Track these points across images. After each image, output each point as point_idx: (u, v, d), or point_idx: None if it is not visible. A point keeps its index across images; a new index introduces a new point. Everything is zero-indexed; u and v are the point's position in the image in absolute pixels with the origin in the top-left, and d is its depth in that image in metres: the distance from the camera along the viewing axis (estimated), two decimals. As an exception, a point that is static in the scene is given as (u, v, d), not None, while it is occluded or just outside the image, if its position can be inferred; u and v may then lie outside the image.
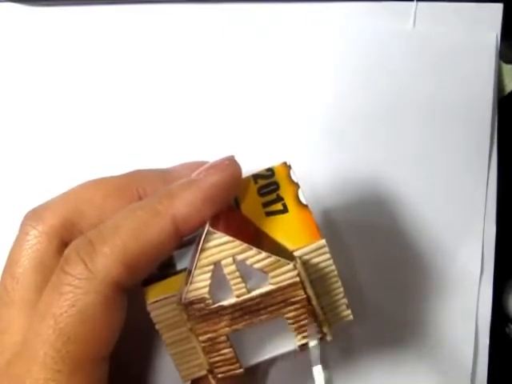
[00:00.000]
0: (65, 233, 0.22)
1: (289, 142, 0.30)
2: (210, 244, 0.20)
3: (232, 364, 0.22)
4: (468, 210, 0.30)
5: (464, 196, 0.30)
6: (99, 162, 0.29)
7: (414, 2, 0.30)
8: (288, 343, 0.22)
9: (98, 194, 0.23)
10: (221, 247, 0.20)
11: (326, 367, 0.21)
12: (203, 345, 0.22)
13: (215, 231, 0.20)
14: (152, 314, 0.22)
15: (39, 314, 0.20)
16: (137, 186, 0.23)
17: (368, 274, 0.29)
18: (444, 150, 0.30)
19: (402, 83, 0.30)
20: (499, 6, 0.30)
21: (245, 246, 0.20)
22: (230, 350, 0.22)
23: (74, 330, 0.19)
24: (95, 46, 0.30)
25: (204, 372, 0.22)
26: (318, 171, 0.30)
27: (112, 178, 0.24)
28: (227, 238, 0.20)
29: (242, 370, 0.22)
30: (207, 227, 0.20)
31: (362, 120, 0.30)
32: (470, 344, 0.29)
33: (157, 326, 0.22)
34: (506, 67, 0.31)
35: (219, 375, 0.22)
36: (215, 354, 0.22)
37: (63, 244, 0.22)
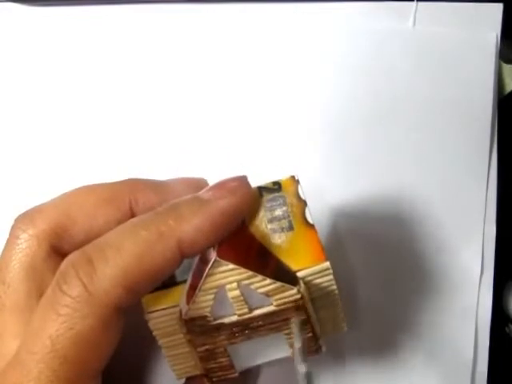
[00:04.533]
0: (55, 237, 0.22)
1: (287, 142, 0.30)
2: (216, 270, 0.20)
3: (227, 370, 0.22)
4: (468, 211, 0.30)
5: (464, 196, 0.30)
6: (93, 166, 0.29)
7: (414, 2, 0.30)
8: (283, 350, 0.22)
9: (89, 201, 0.23)
10: (226, 273, 0.20)
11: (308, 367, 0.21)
12: (200, 354, 0.22)
13: (222, 260, 0.20)
14: (150, 323, 0.21)
15: (34, 329, 0.20)
16: (129, 196, 0.23)
17: (367, 274, 0.29)
18: (444, 150, 0.30)
19: (402, 83, 0.30)
20: (499, 6, 0.30)
21: (250, 273, 0.20)
22: (227, 359, 0.22)
23: (70, 352, 0.19)
24: (95, 47, 0.30)
25: (198, 372, 0.22)
26: (316, 169, 0.30)
27: (105, 184, 0.23)
28: (233, 265, 0.20)
29: (236, 375, 0.22)
30: (215, 257, 0.20)
31: (361, 120, 0.30)
32: (470, 344, 0.29)
33: (154, 333, 0.22)
34: (506, 67, 0.31)
35: (214, 379, 0.22)
36: (211, 362, 0.22)
37: (53, 248, 0.22)
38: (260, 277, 0.20)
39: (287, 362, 0.22)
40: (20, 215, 0.23)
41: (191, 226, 0.20)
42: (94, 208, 0.23)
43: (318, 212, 0.29)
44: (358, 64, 0.30)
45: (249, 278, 0.20)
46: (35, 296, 0.21)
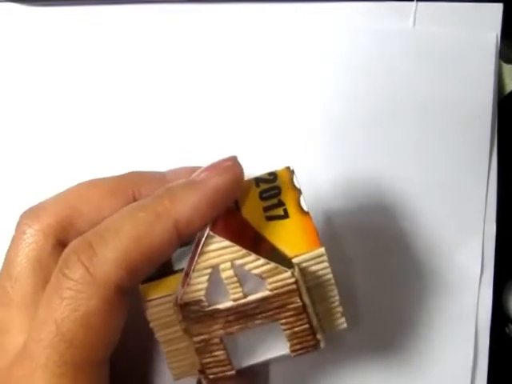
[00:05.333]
0: (61, 231, 0.22)
1: (287, 142, 0.30)
2: (210, 248, 0.20)
3: (224, 366, 0.22)
4: (468, 210, 0.30)
5: (464, 196, 0.30)
6: (96, 162, 0.29)
7: (414, 2, 0.30)
8: (281, 347, 0.22)
9: (94, 194, 0.23)
10: (220, 251, 0.20)
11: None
12: (196, 346, 0.21)
13: (215, 235, 0.20)
14: (148, 312, 0.22)
15: (40, 318, 0.20)
16: (132, 188, 0.23)
17: (367, 274, 0.29)
18: (444, 149, 0.30)
19: (402, 83, 0.30)
20: (499, 6, 0.30)
21: (244, 251, 0.20)
22: (223, 352, 0.22)
23: (76, 335, 0.19)
24: (95, 47, 0.30)
25: (195, 371, 0.22)
26: (316, 169, 0.30)
27: (108, 178, 0.24)
28: (227, 242, 0.20)
29: (233, 372, 0.22)
30: (208, 231, 0.20)
31: (361, 120, 0.30)
32: (470, 344, 0.29)
33: (151, 324, 0.22)
34: (506, 67, 0.31)
35: (210, 376, 0.22)
36: (208, 355, 0.22)
37: (59, 242, 0.22)
38: (254, 256, 0.20)
39: (286, 362, 0.22)
40: (25, 211, 0.23)
41: (186, 205, 0.20)
42: (98, 200, 0.23)
43: (317, 212, 0.29)
44: (358, 64, 0.30)
45: (242, 256, 0.20)
46: (41, 290, 0.21)
